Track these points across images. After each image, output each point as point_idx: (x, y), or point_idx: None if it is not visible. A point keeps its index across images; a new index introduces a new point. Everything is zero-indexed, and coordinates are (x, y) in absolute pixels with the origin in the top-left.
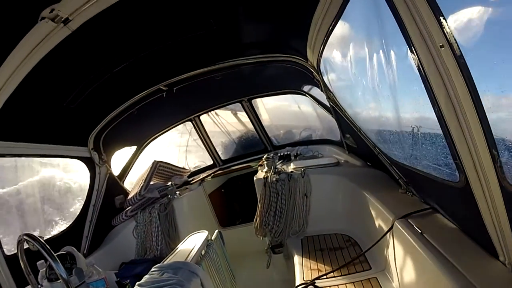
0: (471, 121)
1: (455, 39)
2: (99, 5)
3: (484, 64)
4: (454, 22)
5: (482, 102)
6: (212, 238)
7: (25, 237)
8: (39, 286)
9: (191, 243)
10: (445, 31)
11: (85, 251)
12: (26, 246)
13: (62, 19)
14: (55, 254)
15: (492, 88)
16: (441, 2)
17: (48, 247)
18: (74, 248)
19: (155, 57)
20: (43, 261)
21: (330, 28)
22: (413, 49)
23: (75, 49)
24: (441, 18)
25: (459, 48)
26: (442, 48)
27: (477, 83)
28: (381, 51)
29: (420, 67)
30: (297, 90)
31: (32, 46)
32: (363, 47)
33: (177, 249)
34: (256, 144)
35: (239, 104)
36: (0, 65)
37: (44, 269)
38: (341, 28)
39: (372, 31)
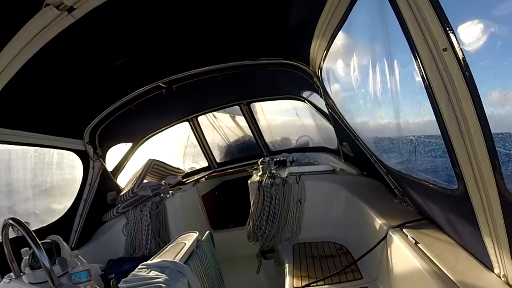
0: (472, 127)
1: (458, 43)
2: None
3: (487, 69)
4: (458, 25)
5: (484, 108)
6: (203, 239)
7: (10, 221)
8: (21, 274)
9: (181, 243)
10: (449, 35)
11: (73, 245)
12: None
13: (67, 7)
14: (40, 242)
15: (495, 93)
16: (445, 5)
17: (33, 233)
18: (59, 237)
19: (157, 54)
20: (27, 248)
21: (334, 33)
22: (415, 52)
23: (77, 39)
24: (445, 21)
25: (462, 52)
26: (445, 52)
27: (480, 88)
28: (384, 59)
29: (422, 71)
30: (296, 96)
31: (34, 33)
32: (366, 54)
33: (166, 247)
34: (252, 148)
35: (238, 108)
36: (1, 49)
37: (28, 256)
38: (345, 33)
39: (375, 37)
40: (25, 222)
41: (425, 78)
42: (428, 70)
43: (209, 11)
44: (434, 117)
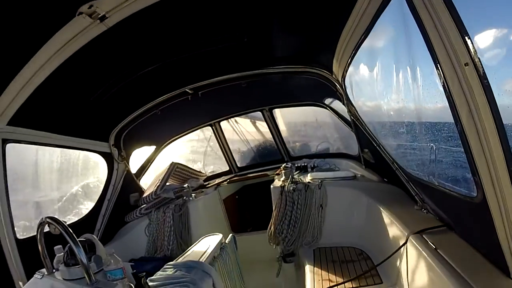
0: (491, 138)
1: (479, 58)
2: (136, 5)
3: (506, 83)
4: (479, 41)
5: (502, 120)
6: (226, 242)
7: (48, 219)
8: (54, 270)
9: (205, 245)
10: (470, 50)
11: None
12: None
13: (99, 15)
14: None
15: None
16: (466, 21)
17: (71, 231)
18: (94, 236)
19: (184, 62)
20: (60, 246)
21: (359, 42)
22: (438, 66)
23: (108, 46)
24: (466, 37)
25: (482, 67)
26: (467, 67)
27: (498, 100)
28: (407, 68)
29: (445, 84)
30: (318, 103)
31: (67, 39)
32: (390, 63)
33: (190, 249)
34: (273, 153)
35: (259, 113)
36: (35, 54)
37: (61, 254)
38: (369, 43)
39: (399, 48)
40: (63, 221)
41: (447, 90)
42: (450, 83)
43: (234, 20)
44: (455, 127)
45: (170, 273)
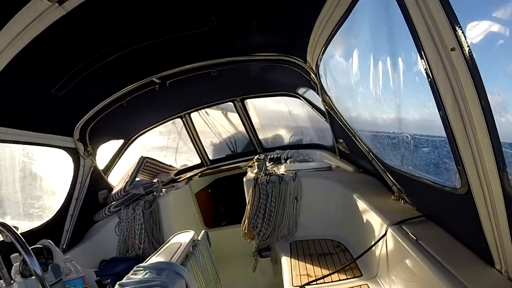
0: (477, 126)
1: (467, 42)
2: None
3: (495, 69)
4: (467, 24)
5: (490, 107)
6: (199, 238)
7: None
8: (12, 281)
9: (176, 243)
10: (457, 34)
11: (64, 246)
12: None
13: None
14: (30, 248)
15: (503, 93)
16: (455, 3)
17: (23, 239)
18: (51, 242)
19: (150, 49)
20: (17, 254)
21: (335, 29)
22: (422, 51)
23: (68, 32)
24: (454, 20)
25: (470, 51)
26: (453, 51)
27: (487, 87)
28: (386, 56)
29: (428, 70)
30: (292, 93)
31: (24, 25)
32: (367, 50)
33: (161, 248)
34: (245, 145)
35: (231, 104)
36: None
37: (18, 263)
38: (346, 29)
39: (378, 34)
40: (14, 227)
41: (431, 77)
42: (435, 69)
43: (205, 4)
44: (437, 116)
45: (140, 276)
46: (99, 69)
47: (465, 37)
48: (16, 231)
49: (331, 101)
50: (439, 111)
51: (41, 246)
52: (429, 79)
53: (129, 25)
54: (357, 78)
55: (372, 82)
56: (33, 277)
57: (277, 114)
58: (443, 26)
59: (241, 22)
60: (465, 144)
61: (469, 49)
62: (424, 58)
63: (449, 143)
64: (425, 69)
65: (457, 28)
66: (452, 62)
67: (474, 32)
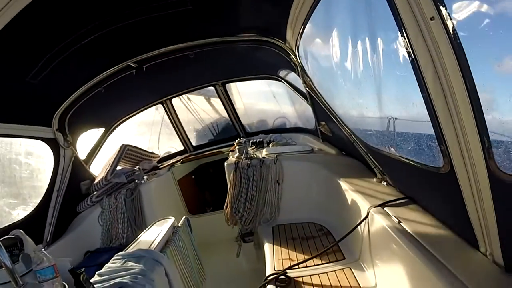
0: (460, 102)
1: (447, 12)
2: None
3: (480, 39)
4: None
5: (474, 81)
6: (179, 225)
7: None
8: None
9: (156, 230)
10: (437, 2)
11: (48, 239)
12: None
13: None
14: (1, 239)
15: (487, 66)
16: None
17: None
18: (22, 231)
19: (125, 32)
20: None
21: (312, 5)
22: (400, 22)
23: (39, 17)
24: None
25: (451, 21)
26: (433, 21)
27: (470, 60)
28: (365, 33)
29: (407, 43)
30: (273, 76)
31: None
32: (346, 28)
33: (140, 236)
34: (228, 130)
35: (213, 89)
36: None
37: None
38: (323, 7)
39: (356, 10)
40: None
41: (411, 50)
42: (414, 41)
43: None
44: (419, 94)
45: (119, 264)
46: (74, 53)
47: (445, 5)
48: None
49: (312, 83)
50: (420, 87)
51: (13, 236)
52: (409, 54)
53: (102, 6)
54: (337, 58)
55: (351, 61)
56: (3, 268)
57: (260, 99)
58: None
59: (217, 2)
60: (447, 121)
61: (450, 18)
62: (403, 30)
63: (430, 120)
64: (404, 43)
65: None
66: (432, 33)
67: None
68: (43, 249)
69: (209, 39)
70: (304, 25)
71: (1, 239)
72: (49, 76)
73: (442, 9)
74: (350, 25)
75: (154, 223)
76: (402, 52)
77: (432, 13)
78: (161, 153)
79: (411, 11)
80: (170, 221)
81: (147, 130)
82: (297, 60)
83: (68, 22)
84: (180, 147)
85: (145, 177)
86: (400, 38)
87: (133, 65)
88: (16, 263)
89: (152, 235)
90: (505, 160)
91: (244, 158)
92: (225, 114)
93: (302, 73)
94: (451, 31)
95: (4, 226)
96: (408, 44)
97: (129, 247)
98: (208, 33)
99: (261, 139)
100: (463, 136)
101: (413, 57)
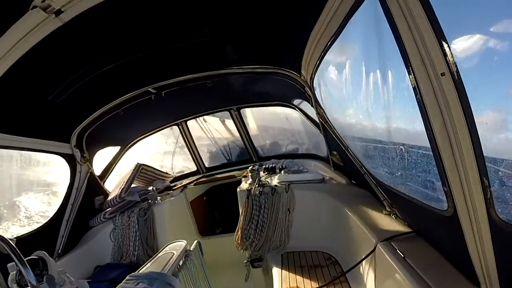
0: (465, 151)
1: (457, 68)
2: None
3: (484, 95)
4: (457, 50)
5: (478, 133)
6: (191, 249)
7: None
8: None
9: (169, 253)
10: (448, 59)
11: (60, 251)
12: None
13: (54, 10)
14: (25, 259)
15: (489, 118)
16: (445, 28)
17: (19, 251)
18: (46, 253)
19: (146, 60)
20: (14, 263)
21: (328, 44)
22: (412, 75)
23: (65, 42)
24: (444, 45)
25: (460, 78)
26: (443, 76)
27: (475, 112)
28: (378, 72)
29: (418, 94)
30: (287, 103)
31: (21, 35)
32: (360, 66)
33: (154, 258)
34: (241, 153)
35: (227, 112)
36: None
37: (14, 272)
38: (339, 44)
39: (370, 52)
40: (10, 239)
41: (421, 100)
42: (425, 93)
43: (199, 16)
44: (426, 136)
45: (132, 286)
46: (96, 78)
47: (455, 62)
48: (12, 243)
49: (325, 114)
50: (427, 133)
51: (36, 257)
52: (419, 103)
53: (125, 36)
54: (349, 93)
55: (363, 98)
56: (29, 287)
57: (274, 123)
58: (434, 51)
59: (235, 35)
60: (452, 167)
61: (458, 75)
62: (415, 82)
63: (436, 164)
64: (415, 93)
65: (447, 53)
66: (442, 88)
67: (464, 58)
68: (66, 273)
69: (226, 69)
70: (319, 60)
71: (26, 259)
72: (70, 97)
73: (452, 65)
74: (363, 62)
75: (167, 246)
76: (411, 97)
77: (442, 69)
78: (174, 169)
79: (423, 64)
80: (183, 244)
81: (162, 139)
82: (311, 92)
83: (92, 50)
84: (192, 166)
85: (158, 197)
86: (412, 85)
87: (152, 91)
88: (40, 283)
89: (165, 258)
90: (504, 209)
91: (256, 185)
92: (237, 134)
93: (315, 104)
94: (459, 87)
95: (18, 236)
96: (420, 95)
97: (142, 268)
98: (225, 63)
99: (273, 165)
100: (466, 183)
101: (422, 106)
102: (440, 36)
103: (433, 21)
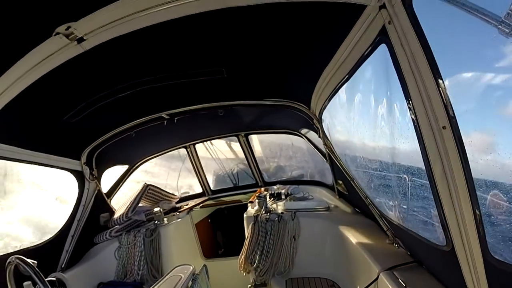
0: (462, 198)
1: (457, 122)
2: (117, 30)
3: (481, 147)
4: (458, 105)
5: (473, 179)
6: (198, 272)
7: (16, 260)
8: None
9: (176, 276)
10: (449, 114)
11: (63, 265)
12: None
13: (77, 37)
14: (46, 279)
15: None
16: (450, 86)
17: (41, 274)
18: (64, 275)
19: (162, 89)
20: (30, 282)
21: (340, 83)
22: (417, 125)
23: (85, 67)
24: (447, 101)
25: (459, 131)
26: (444, 129)
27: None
28: (384, 111)
29: (422, 144)
30: (295, 132)
31: (41, 57)
32: (368, 105)
33: (161, 280)
34: (247, 177)
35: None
36: (8, 68)
37: None
38: (350, 83)
39: (379, 93)
40: (32, 262)
41: (424, 149)
42: (427, 143)
43: (217, 55)
44: (426, 178)
45: None
46: (111, 103)
47: (455, 117)
48: (34, 265)
49: (332, 146)
50: (428, 178)
51: (54, 278)
52: (422, 151)
53: (143, 67)
54: (357, 129)
55: (370, 133)
56: None
57: (281, 148)
58: (437, 105)
59: (250, 73)
60: (450, 208)
61: (458, 129)
62: (419, 132)
63: (435, 205)
64: (419, 143)
65: (448, 108)
66: (442, 139)
67: (464, 113)
68: None
69: (239, 101)
70: (331, 96)
71: (46, 279)
72: (84, 119)
73: (453, 120)
74: (372, 101)
75: (174, 268)
76: (416, 145)
77: (444, 122)
78: (179, 187)
79: (427, 116)
80: (190, 268)
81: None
82: (319, 124)
83: (110, 77)
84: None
85: (165, 218)
86: (416, 133)
87: (165, 117)
88: None
89: (172, 281)
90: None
91: (263, 212)
92: (243, 156)
93: (323, 136)
94: (458, 139)
95: (24, 248)
96: (423, 144)
97: None
98: (238, 97)
99: (279, 191)
100: (463, 224)
101: (424, 154)
102: (444, 92)
103: (437, 77)
